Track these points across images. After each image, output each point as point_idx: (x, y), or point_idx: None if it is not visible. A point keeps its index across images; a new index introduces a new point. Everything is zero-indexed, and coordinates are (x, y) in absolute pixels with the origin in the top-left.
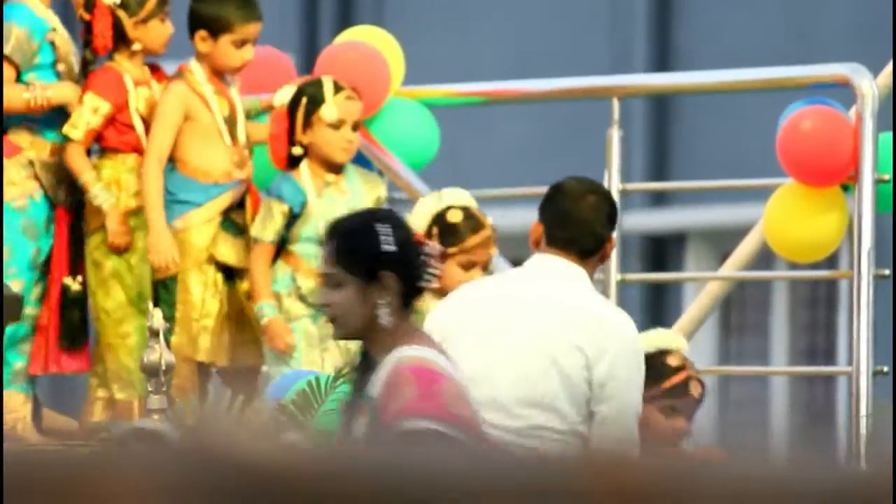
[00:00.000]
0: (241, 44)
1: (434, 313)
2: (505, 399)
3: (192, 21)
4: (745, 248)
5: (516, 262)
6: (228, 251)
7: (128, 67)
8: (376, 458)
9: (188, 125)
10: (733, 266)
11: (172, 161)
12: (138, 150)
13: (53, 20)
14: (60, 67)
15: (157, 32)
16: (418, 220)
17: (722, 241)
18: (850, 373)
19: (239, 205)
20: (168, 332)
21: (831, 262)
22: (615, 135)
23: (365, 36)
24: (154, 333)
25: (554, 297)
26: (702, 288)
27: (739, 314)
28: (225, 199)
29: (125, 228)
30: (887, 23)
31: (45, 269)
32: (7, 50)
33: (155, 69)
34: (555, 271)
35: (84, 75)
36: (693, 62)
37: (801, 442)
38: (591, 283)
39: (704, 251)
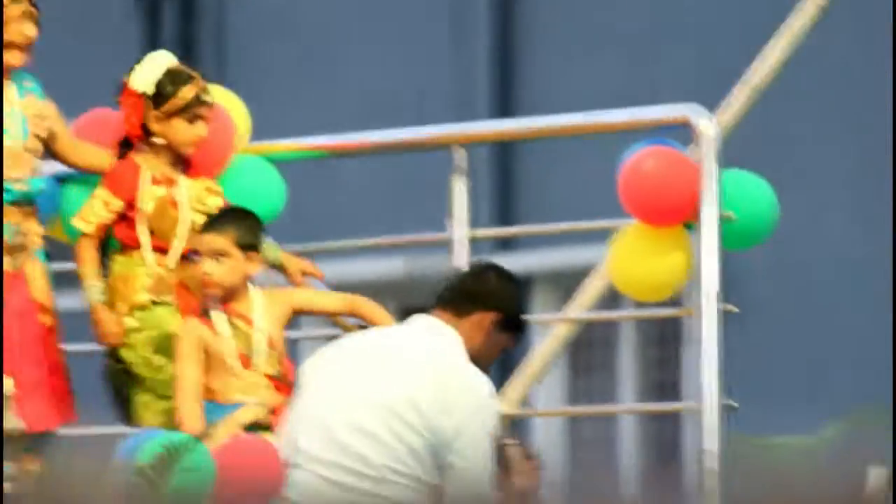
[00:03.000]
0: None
1: (308, 360)
2: (342, 441)
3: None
4: (591, 289)
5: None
6: None
7: (150, 162)
8: None
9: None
10: (579, 307)
11: None
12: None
13: None
14: None
15: (182, 131)
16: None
17: (568, 284)
18: (698, 409)
19: None
20: None
21: (678, 297)
22: (460, 182)
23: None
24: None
25: (413, 353)
26: (549, 330)
27: (587, 354)
28: (243, 415)
29: (112, 329)
30: (725, 62)
31: None
32: None
33: (191, 165)
34: (426, 328)
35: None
36: (535, 108)
37: (652, 481)
38: (463, 349)
39: (551, 293)
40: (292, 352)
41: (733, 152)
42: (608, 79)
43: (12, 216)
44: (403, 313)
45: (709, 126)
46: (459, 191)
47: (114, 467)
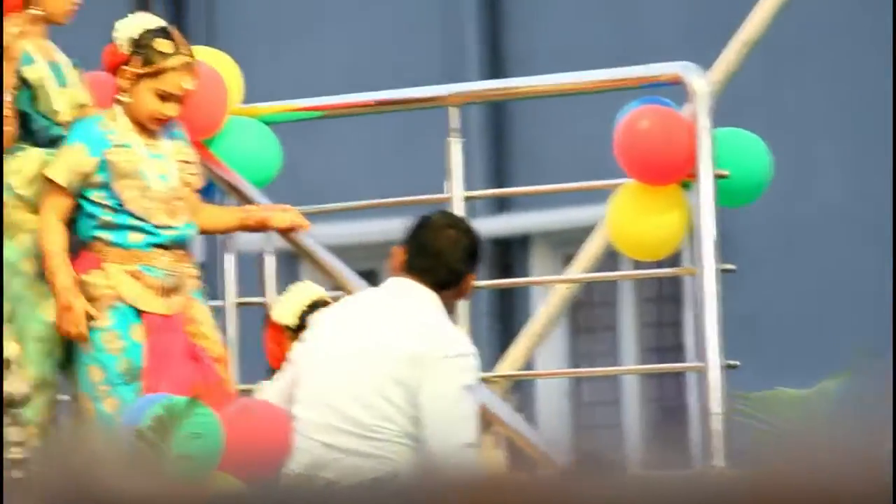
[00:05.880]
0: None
1: (298, 343)
2: (336, 406)
3: None
4: (590, 249)
5: (362, 272)
6: None
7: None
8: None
9: None
10: (579, 267)
11: None
12: None
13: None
14: (119, 185)
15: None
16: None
17: (566, 243)
18: (701, 368)
19: None
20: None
21: (676, 258)
22: (455, 143)
23: (200, 56)
24: (7, 364)
25: (394, 314)
26: (549, 290)
27: (587, 315)
28: None
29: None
30: (714, 18)
31: None
32: None
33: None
34: (405, 292)
35: None
36: (526, 67)
37: (656, 441)
38: (446, 313)
39: (549, 253)
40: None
41: (723, 108)
42: (598, 36)
43: (159, 259)
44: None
45: (702, 84)
46: (454, 151)
47: (117, 433)
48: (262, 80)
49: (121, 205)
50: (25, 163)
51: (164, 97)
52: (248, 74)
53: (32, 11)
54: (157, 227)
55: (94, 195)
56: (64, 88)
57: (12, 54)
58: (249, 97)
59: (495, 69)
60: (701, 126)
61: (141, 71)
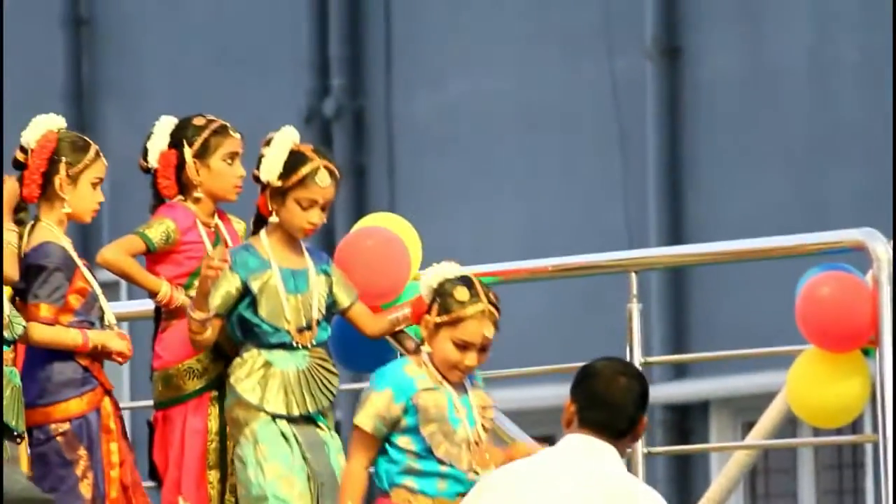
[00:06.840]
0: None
1: (469, 494)
2: None
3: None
4: (770, 416)
5: (540, 437)
6: None
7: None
8: None
9: None
10: (759, 434)
11: None
12: None
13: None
14: (427, 430)
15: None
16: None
17: (743, 410)
18: None
19: None
20: None
21: (856, 424)
22: (635, 309)
23: (380, 222)
24: None
25: (581, 474)
26: (727, 456)
27: (766, 481)
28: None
29: None
30: (891, 182)
31: None
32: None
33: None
34: (585, 450)
35: None
36: (706, 233)
37: None
38: (622, 460)
39: (727, 419)
40: None
41: None
42: (780, 203)
43: None
44: None
45: (884, 250)
46: (634, 316)
47: None
48: (440, 245)
49: (428, 450)
50: (246, 365)
51: (464, 346)
52: (426, 240)
53: (272, 221)
54: (464, 473)
55: (400, 440)
56: (297, 295)
57: (204, 289)
58: (426, 262)
59: (676, 235)
60: (883, 293)
61: (439, 320)
